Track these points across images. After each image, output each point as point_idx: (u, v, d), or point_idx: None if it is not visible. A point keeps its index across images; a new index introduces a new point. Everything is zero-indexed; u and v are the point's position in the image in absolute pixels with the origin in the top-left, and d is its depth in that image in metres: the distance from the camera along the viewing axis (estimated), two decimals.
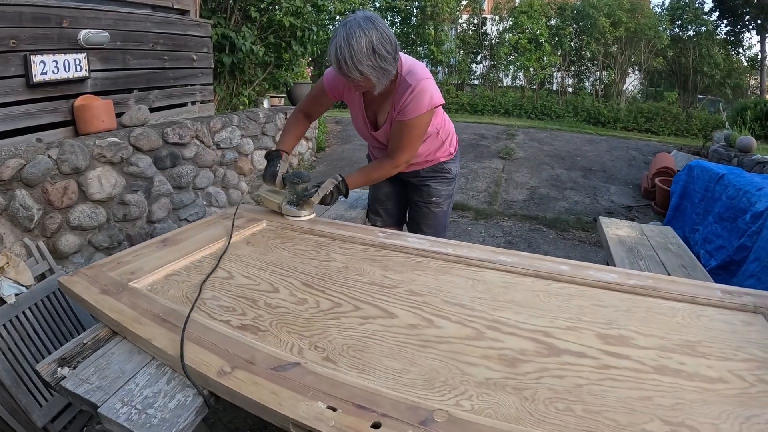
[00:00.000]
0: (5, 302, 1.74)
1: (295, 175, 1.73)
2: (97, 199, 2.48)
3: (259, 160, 4.03)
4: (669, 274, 1.85)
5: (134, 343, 1.05)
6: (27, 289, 1.83)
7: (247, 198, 3.84)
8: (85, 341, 1.08)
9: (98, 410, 0.87)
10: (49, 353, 1.83)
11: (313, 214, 1.75)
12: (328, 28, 5.39)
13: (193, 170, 3.20)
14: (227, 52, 4.24)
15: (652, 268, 1.86)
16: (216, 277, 1.29)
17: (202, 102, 3.92)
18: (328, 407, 0.75)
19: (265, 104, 4.51)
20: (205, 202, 3.34)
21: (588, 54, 10.71)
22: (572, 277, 1.34)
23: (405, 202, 2.10)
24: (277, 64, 4.76)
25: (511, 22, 10.54)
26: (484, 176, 5.28)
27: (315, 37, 4.76)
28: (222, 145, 3.51)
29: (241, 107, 4.41)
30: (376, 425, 0.70)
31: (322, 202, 1.68)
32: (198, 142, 3.25)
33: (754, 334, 1.09)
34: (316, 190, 1.67)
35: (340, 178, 1.69)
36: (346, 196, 1.72)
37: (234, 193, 3.70)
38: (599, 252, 3.49)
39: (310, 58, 5.63)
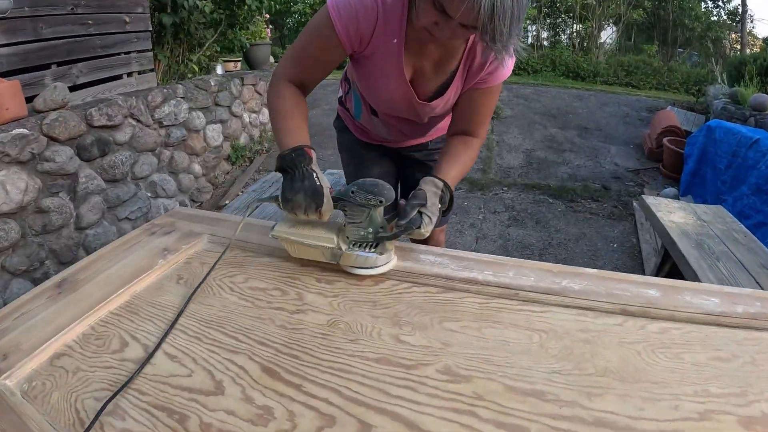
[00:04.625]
0: None
1: (369, 191, 0.92)
2: (4, 212, 1.90)
3: (213, 136, 3.42)
4: (756, 280, 1.44)
5: None
6: None
7: (202, 182, 3.27)
8: None
9: None
10: None
11: (395, 258, 1.00)
12: None
13: (129, 157, 2.60)
14: (168, 11, 3.56)
15: (734, 271, 1.45)
16: (124, 359, 0.78)
17: (140, 72, 3.28)
18: None
19: (219, 70, 3.87)
20: (149, 194, 2.76)
21: (563, 6, 10.26)
22: (669, 309, 0.89)
23: (398, 182, 1.61)
24: (230, 24, 4.08)
25: None
26: None
27: None
28: (165, 123, 2.90)
29: (189, 75, 3.75)
30: None
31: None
32: (133, 122, 2.64)
33: None
34: (421, 214, 0.96)
35: (441, 183, 1.03)
36: (448, 211, 1.08)
37: (185, 179, 3.11)
38: (615, 226, 3.08)
39: (267, 15, 4.93)
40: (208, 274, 0.97)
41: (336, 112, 1.53)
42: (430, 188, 1.01)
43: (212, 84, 3.38)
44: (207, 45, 3.95)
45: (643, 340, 0.81)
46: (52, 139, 2.20)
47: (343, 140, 1.51)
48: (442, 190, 1.02)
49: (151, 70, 3.44)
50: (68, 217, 2.25)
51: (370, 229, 0.95)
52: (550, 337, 0.80)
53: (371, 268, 0.94)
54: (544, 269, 1.00)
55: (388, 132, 1.34)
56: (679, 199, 3.15)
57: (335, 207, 0.95)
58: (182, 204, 3.04)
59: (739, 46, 10.74)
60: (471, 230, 3.02)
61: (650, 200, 1.97)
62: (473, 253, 1.06)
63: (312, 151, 0.97)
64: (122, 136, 2.56)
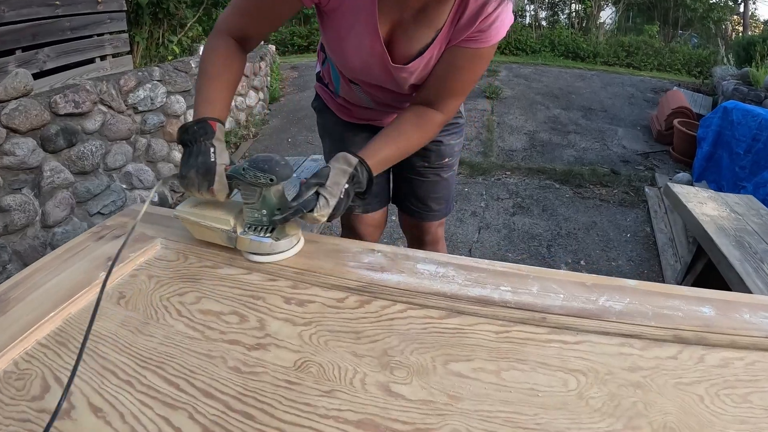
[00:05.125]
0: None
1: (259, 168, 0.78)
2: None
3: None
4: None
5: None
6: None
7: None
8: None
9: None
10: None
11: (301, 241, 0.89)
12: None
13: (100, 146, 2.38)
14: None
15: None
16: (42, 410, 0.60)
17: (114, 56, 3.06)
18: None
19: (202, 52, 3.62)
20: (124, 185, 2.55)
21: None
22: (729, 333, 0.70)
23: (389, 173, 1.37)
24: (214, 2, 3.83)
25: None
26: (471, 120, 4.58)
27: None
28: (140, 108, 2.67)
29: (170, 58, 3.51)
30: None
31: (331, 215, 0.82)
32: (104, 108, 2.42)
33: None
34: (318, 195, 0.80)
35: (355, 160, 0.85)
36: (365, 193, 0.90)
37: (165, 168, 2.90)
38: (627, 214, 2.88)
39: None
40: (110, 269, 0.77)
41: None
42: (339, 165, 0.84)
43: (193, 66, 3.14)
44: (189, 25, 3.71)
45: (704, 378, 0.63)
46: (12, 131, 1.99)
47: (324, 122, 1.28)
48: (356, 169, 0.84)
49: (128, 53, 3.21)
50: (33, 215, 2.05)
51: (264, 211, 0.84)
52: (591, 382, 0.61)
53: (267, 255, 0.85)
54: (575, 281, 0.80)
55: (372, 102, 1.12)
56: (693, 185, 2.95)
57: (232, 186, 0.83)
58: (161, 195, 2.83)
59: (741, 28, 10.53)
60: (473, 219, 2.82)
61: (677, 189, 1.74)
62: (484, 260, 0.86)
63: (217, 124, 0.84)
64: (92, 124, 2.34)
